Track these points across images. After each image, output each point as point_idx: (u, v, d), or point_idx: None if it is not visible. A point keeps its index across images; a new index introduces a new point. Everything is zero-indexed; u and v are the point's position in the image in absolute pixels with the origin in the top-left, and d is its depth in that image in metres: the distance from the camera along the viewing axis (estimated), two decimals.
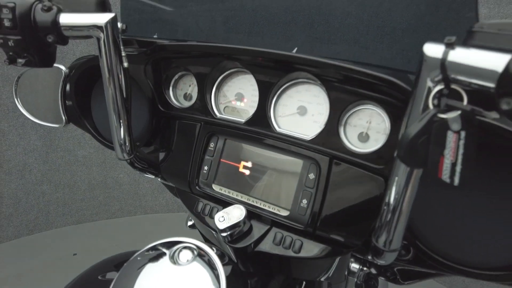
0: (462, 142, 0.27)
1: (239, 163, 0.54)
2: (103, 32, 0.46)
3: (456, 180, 0.27)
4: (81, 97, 0.65)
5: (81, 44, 1.58)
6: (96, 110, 0.67)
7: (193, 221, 0.86)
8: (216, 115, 0.56)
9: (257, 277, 0.58)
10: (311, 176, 0.48)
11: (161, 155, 0.64)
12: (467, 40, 0.28)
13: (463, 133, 0.27)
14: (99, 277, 0.58)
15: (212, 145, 0.57)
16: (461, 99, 0.27)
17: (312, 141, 0.48)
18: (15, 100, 0.64)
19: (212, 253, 0.40)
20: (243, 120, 0.53)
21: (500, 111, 0.25)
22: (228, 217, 0.49)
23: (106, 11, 0.47)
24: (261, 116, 0.52)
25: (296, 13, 0.51)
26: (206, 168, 0.57)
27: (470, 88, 0.27)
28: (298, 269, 0.61)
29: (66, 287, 0.56)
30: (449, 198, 0.39)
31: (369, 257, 0.45)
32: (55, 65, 0.51)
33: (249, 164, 0.54)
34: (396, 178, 0.34)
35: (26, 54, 0.45)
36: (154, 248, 0.42)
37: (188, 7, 0.58)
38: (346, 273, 0.61)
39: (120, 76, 0.50)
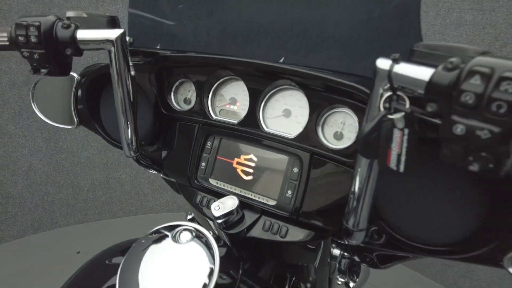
0: (405, 138, 0.34)
1: (233, 159, 0.61)
2: (114, 46, 0.53)
3: (402, 168, 0.34)
4: (91, 101, 0.72)
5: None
6: (105, 113, 0.74)
7: (192, 215, 0.92)
8: (212, 117, 0.63)
9: (249, 262, 0.65)
10: (295, 170, 0.55)
11: (164, 153, 0.71)
12: (409, 56, 0.35)
13: (406, 130, 0.34)
14: (107, 262, 0.64)
15: (209, 143, 0.64)
16: (405, 103, 0.35)
17: (295, 139, 0.55)
18: (32, 104, 0.71)
19: (208, 234, 0.47)
20: (236, 122, 0.61)
21: (426, 112, 0.31)
22: (223, 206, 0.56)
23: (116, 27, 0.55)
24: (252, 118, 0.59)
25: (279, 29, 0.58)
26: (203, 164, 0.64)
27: (410, 94, 0.34)
28: (286, 254, 0.68)
29: (75, 274, 0.63)
30: (403, 185, 0.45)
31: (345, 240, 0.52)
32: None
33: (241, 160, 0.61)
34: (359, 168, 0.41)
35: (48, 65, 0.52)
36: (157, 231, 0.49)
37: (187, 20, 0.65)
38: (329, 259, 0.68)
39: (128, 83, 0.57)
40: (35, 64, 0.51)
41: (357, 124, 0.51)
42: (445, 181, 0.43)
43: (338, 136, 0.53)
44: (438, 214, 0.44)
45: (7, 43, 0.50)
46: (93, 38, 0.52)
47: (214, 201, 0.58)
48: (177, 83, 0.68)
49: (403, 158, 0.34)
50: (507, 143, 0.25)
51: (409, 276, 1.86)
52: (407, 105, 0.34)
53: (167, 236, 0.48)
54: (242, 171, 0.61)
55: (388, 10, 0.48)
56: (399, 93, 0.34)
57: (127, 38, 0.56)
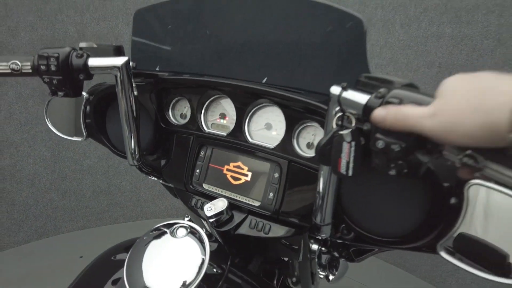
0: (352, 149, 0.43)
1: (224, 166, 0.70)
2: (120, 71, 0.62)
3: (350, 173, 0.43)
4: (98, 116, 0.82)
5: None
6: (110, 126, 0.83)
7: (189, 218, 1.01)
8: (205, 130, 0.73)
9: (239, 257, 0.74)
10: (276, 175, 0.65)
11: (163, 162, 0.80)
12: (356, 85, 0.44)
13: (353, 143, 0.43)
14: (112, 258, 0.73)
15: (202, 153, 0.73)
16: (351, 122, 0.44)
17: (274, 149, 0.64)
18: (46, 119, 0.80)
19: (201, 230, 0.56)
20: (225, 134, 0.70)
21: (364, 130, 0.40)
22: (214, 207, 0.65)
23: (122, 55, 0.64)
24: (238, 130, 0.68)
25: (261, 53, 0.67)
26: (198, 171, 0.73)
27: (355, 115, 0.43)
28: (272, 249, 0.77)
29: (84, 270, 0.71)
30: (361, 186, 0.55)
31: (317, 235, 0.61)
32: None
33: (231, 167, 0.70)
34: (322, 172, 0.50)
35: (64, 88, 0.61)
36: (157, 229, 0.58)
37: (181, 46, 0.74)
38: (308, 254, 0.77)
39: (131, 101, 0.66)
40: (53, 88, 0.61)
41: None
42: (394, 182, 0.52)
43: (310, 146, 0.63)
44: (390, 211, 0.53)
45: (30, 71, 0.60)
46: (102, 65, 0.61)
47: (207, 203, 0.67)
48: (174, 101, 0.77)
49: (351, 165, 0.43)
50: (412, 153, 0.34)
51: (400, 275, 1.94)
52: (353, 123, 0.43)
53: (166, 232, 0.57)
54: (232, 176, 0.70)
55: (341, 48, 0.56)
56: (347, 113, 0.44)
57: (131, 63, 0.65)
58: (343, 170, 0.43)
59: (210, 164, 0.72)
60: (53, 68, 0.58)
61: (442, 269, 1.86)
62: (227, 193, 0.69)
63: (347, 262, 0.83)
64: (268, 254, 0.80)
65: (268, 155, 0.65)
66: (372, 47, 1.82)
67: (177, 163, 0.76)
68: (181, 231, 0.56)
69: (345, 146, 0.43)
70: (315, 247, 0.75)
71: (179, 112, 0.78)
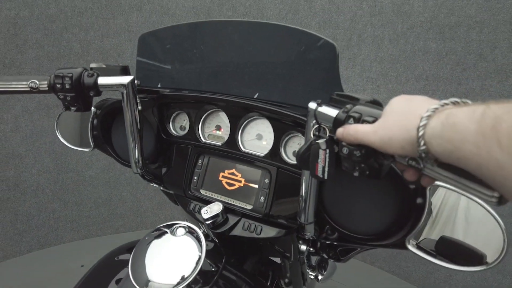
0: (327, 155, 0.50)
1: (219, 173, 0.77)
2: (126, 89, 0.69)
3: (326, 176, 0.50)
4: (105, 129, 0.89)
5: None
6: (115, 138, 0.90)
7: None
8: (202, 141, 0.80)
9: (234, 257, 0.80)
10: (266, 180, 0.71)
11: (164, 170, 0.87)
12: (329, 101, 0.51)
13: (327, 150, 0.50)
14: (116, 258, 0.79)
15: (200, 161, 0.80)
16: (326, 132, 0.51)
17: (264, 157, 0.71)
18: (56, 132, 0.88)
19: (198, 229, 0.62)
20: (220, 144, 0.77)
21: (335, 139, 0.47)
22: (210, 210, 0.71)
23: (128, 74, 0.72)
24: (232, 140, 0.75)
25: (252, 72, 0.74)
26: (196, 178, 0.80)
27: (328, 127, 0.50)
28: (264, 250, 0.83)
29: (91, 268, 0.77)
30: (340, 190, 0.62)
31: (302, 234, 0.67)
32: None
33: (226, 174, 0.77)
34: (304, 177, 0.57)
35: (76, 104, 0.68)
36: (158, 229, 0.64)
37: (181, 66, 0.82)
38: (298, 254, 0.83)
39: (136, 115, 0.74)
40: (66, 103, 0.68)
41: None
42: (370, 185, 0.59)
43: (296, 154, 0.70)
44: (366, 211, 0.60)
45: (47, 89, 0.67)
46: (110, 83, 0.69)
47: (204, 207, 0.73)
48: (174, 114, 0.85)
49: (326, 169, 0.50)
50: (371, 158, 0.41)
51: (395, 283, 1.98)
52: (327, 133, 0.51)
53: (166, 232, 0.63)
54: (226, 182, 0.76)
55: (318, 69, 0.64)
56: (322, 125, 0.51)
57: (136, 81, 0.73)
58: (319, 173, 0.50)
59: (207, 172, 0.79)
60: (67, 86, 0.65)
61: (435, 276, 1.90)
62: (222, 198, 0.76)
63: (335, 263, 0.89)
64: (261, 255, 0.86)
65: (259, 162, 0.72)
66: (363, 62, 1.91)
67: (176, 171, 0.83)
68: (180, 231, 0.62)
69: (321, 153, 0.50)
70: (303, 247, 0.82)
71: (179, 125, 0.85)
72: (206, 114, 0.80)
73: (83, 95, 0.68)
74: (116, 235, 2.31)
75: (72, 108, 0.68)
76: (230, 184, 0.76)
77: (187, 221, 1.03)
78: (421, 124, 0.32)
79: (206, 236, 0.72)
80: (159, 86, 0.83)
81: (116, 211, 2.29)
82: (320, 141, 0.50)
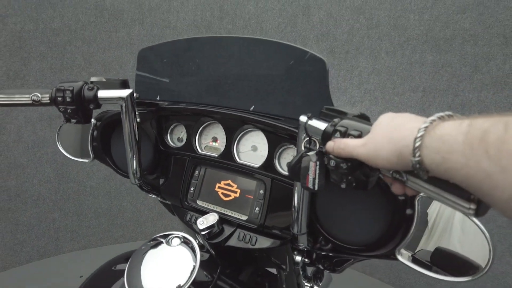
0: (317, 167, 0.51)
1: (215, 184, 0.79)
2: (125, 102, 0.72)
3: (316, 187, 0.51)
4: (104, 140, 0.91)
5: None
6: (114, 149, 0.92)
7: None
8: (199, 152, 0.82)
9: (230, 268, 0.81)
10: (261, 191, 0.73)
11: (161, 181, 0.88)
12: (319, 115, 0.53)
13: (318, 162, 0.51)
14: (113, 268, 0.80)
15: (196, 172, 0.82)
16: (316, 145, 0.53)
17: (259, 168, 0.73)
18: (57, 143, 0.90)
19: (193, 240, 0.64)
20: (216, 155, 0.79)
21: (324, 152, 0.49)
22: (206, 221, 0.73)
23: (127, 88, 0.74)
24: (228, 152, 0.77)
25: (244, 85, 0.76)
26: (192, 189, 0.81)
27: (319, 140, 0.52)
28: (260, 261, 0.84)
29: (88, 278, 0.78)
30: (332, 200, 0.63)
31: (296, 245, 0.68)
32: None
33: (222, 185, 0.78)
34: (296, 188, 0.59)
35: (76, 116, 0.70)
36: (154, 239, 0.66)
37: (178, 80, 0.85)
38: (293, 265, 0.83)
39: (134, 127, 0.76)
40: (67, 116, 0.70)
41: None
42: (360, 197, 0.60)
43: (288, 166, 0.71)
44: (359, 222, 0.61)
45: (48, 101, 0.69)
46: (110, 96, 0.71)
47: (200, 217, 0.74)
48: (172, 126, 0.87)
49: (316, 181, 0.51)
50: (357, 171, 0.43)
51: None
52: (317, 146, 0.52)
53: (162, 242, 0.65)
54: (222, 193, 0.78)
55: (309, 83, 0.66)
56: (312, 138, 0.53)
57: (134, 94, 0.75)
58: (310, 185, 0.52)
59: (203, 183, 0.80)
60: (68, 99, 0.67)
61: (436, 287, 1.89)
62: (218, 209, 0.77)
63: (331, 274, 0.89)
64: (257, 266, 0.87)
65: (254, 173, 0.74)
66: (360, 73, 1.94)
67: (174, 182, 0.84)
68: (176, 241, 0.64)
69: (311, 165, 0.51)
70: (298, 258, 0.82)
71: (177, 136, 0.87)
72: (203, 126, 0.82)
73: (83, 108, 0.70)
74: (115, 246, 2.31)
75: (73, 120, 0.70)
76: (226, 195, 0.77)
77: (183, 232, 1.04)
78: (419, 135, 0.33)
79: (202, 247, 0.73)
80: (158, 99, 0.85)
81: (116, 221, 2.29)
82: (311, 153, 0.51)
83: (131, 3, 1.91)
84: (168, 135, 0.87)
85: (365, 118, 0.47)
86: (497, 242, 1.72)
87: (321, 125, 0.49)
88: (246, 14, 1.97)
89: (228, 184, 0.77)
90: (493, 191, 0.27)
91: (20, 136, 1.92)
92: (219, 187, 0.78)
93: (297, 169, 0.52)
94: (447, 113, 0.35)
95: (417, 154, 0.33)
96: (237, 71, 0.74)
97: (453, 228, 0.55)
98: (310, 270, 0.90)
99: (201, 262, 0.66)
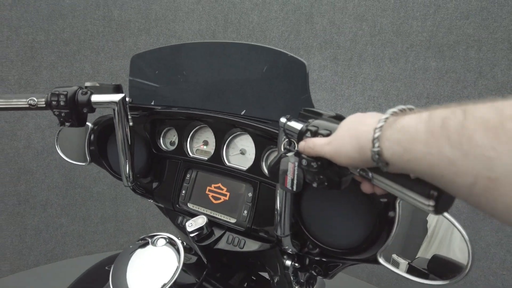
0: (296, 168, 0.52)
1: (206, 187, 0.80)
2: (117, 105, 0.74)
3: (295, 188, 0.52)
4: (100, 144, 0.93)
5: None
6: (110, 153, 0.95)
7: None
8: (190, 155, 0.83)
9: (220, 272, 0.81)
10: (250, 194, 0.73)
11: (154, 184, 0.90)
12: (298, 116, 0.54)
13: (296, 163, 0.52)
14: (106, 268, 0.81)
15: (188, 176, 0.83)
16: (295, 146, 0.53)
17: (247, 171, 0.73)
18: (56, 147, 0.92)
19: (178, 241, 0.64)
20: (206, 158, 0.80)
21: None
22: (195, 223, 0.73)
23: (120, 92, 0.76)
24: (217, 155, 0.78)
25: (232, 89, 0.78)
26: (184, 192, 0.82)
27: (296, 140, 0.52)
28: (251, 264, 0.84)
29: (74, 281, 0.79)
30: (316, 203, 0.63)
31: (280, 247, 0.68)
32: None
33: (212, 188, 0.79)
34: (279, 190, 0.59)
35: (70, 120, 0.73)
36: (142, 239, 0.67)
37: (170, 84, 0.87)
38: (284, 270, 0.83)
39: (127, 131, 0.77)
40: (61, 119, 0.73)
41: None
42: (344, 201, 0.60)
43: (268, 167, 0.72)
44: (343, 225, 0.61)
45: (44, 105, 0.72)
46: (102, 100, 0.73)
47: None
48: (164, 130, 0.88)
49: (295, 181, 0.52)
50: (327, 170, 0.43)
51: None
52: (296, 147, 0.53)
53: (148, 243, 0.66)
54: (212, 196, 0.78)
55: (291, 86, 0.67)
56: (292, 139, 0.53)
57: (127, 99, 0.77)
58: (289, 185, 0.52)
59: (194, 186, 0.81)
60: (62, 103, 0.70)
61: None
62: (208, 211, 0.78)
63: (324, 280, 0.88)
64: (251, 271, 0.86)
65: (242, 176, 0.74)
66: (364, 80, 1.93)
67: (166, 185, 0.85)
68: (161, 241, 0.65)
69: (290, 166, 0.52)
70: (288, 262, 0.82)
71: (169, 140, 0.89)
72: (194, 130, 0.84)
73: (77, 112, 0.72)
74: (120, 252, 2.33)
75: (67, 123, 0.73)
76: (216, 198, 0.78)
77: (174, 234, 1.05)
78: (378, 125, 0.34)
79: (190, 249, 0.73)
80: (152, 103, 0.87)
81: (121, 227, 2.32)
82: (289, 154, 0.52)
83: (138, 13, 1.97)
84: (161, 139, 0.89)
85: (340, 119, 0.47)
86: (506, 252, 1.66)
87: (298, 125, 0.50)
88: (250, 23, 2.00)
89: (218, 187, 0.78)
90: (456, 177, 0.27)
91: (30, 142, 1.98)
92: (209, 190, 0.79)
93: (276, 170, 0.53)
94: (408, 106, 0.35)
95: (376, 145, 0.33)
96: (224, 75, 0.75)
97: (454, 236, 0.54)
98: (302, 275, 0.89)
99: (189, 264, 0.66)
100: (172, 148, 0.87)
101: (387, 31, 1.79)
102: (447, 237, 0.53)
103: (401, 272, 0.53)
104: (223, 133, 0.77)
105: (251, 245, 0.73)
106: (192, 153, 0.83)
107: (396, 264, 0.54)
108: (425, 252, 0.55)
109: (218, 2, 1.98)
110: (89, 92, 0.72)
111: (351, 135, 0.37)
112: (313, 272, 0.83)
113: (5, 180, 1.98)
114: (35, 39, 1.86)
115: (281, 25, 1.96)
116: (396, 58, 1.82)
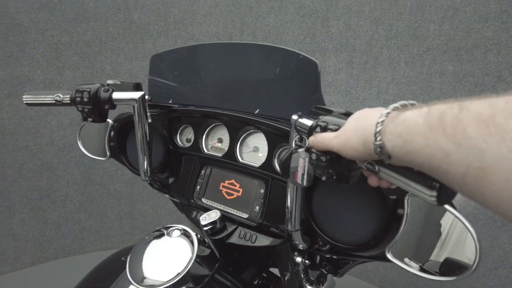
0: (306, 163, 0.53)
1: (220, 183, 0.82)
2: (137, 103, 0.77)
3: (305, 183, 0.53)
4: (120, 140, 0.97)
5: None
6: (129, 148, 0.98)
7: None
8: (205, 152, 0.86)
9: (231, 265, 0.83)
10: (262, 190, 0.75)
11: (170, 179, 0.93)
12: (309, 114, 0.55)
13: (307, 159, 0.53)
14: (123, 258, 0.84)
15: (203, 172, 0.85)
16: (306, 142, 0.55)
17: (259, 167, 0.75)
18: (78, 142, 0.97)
19: (192, 232, 0.67)
20: (220, 155, 0.82)
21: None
22: (208, 217, 0.76)
23: (139, 90, 0.80)
24: (231, 152, 0.80)
25: (247, 89, 0.80)
26: (198, 187, 0.85)
27: (307, 135, 0.54)
28: (262, 259, 0.85)
29: (92, 270, 0.82)
30: (327, 198, 0.64)
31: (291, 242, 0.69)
32: None
33: (226, 184, 0.81)
34: (290, 185, 0.61)
35: (93, 115, 0.77)
36: (158, 230, 0.70)
37: (187, 83, 0.90)
38: (294, 266, 0.84)
39: (145, 127, 0.81)
40: (84, 115, 0.77)
41: None
42: (354, 197, 0.61)
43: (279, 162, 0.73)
44: (353, 221, 0.62)
45: (69, 101, 0.76)
46: (123, 97, 0.77)
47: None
48: (181, 128, 0.92)
49: (305, 177, 0.53)
50: (336, 163, 0.44)
51: None
52: (307, 143, 0.54)
53: (164, 234, 0.68)
54: (226, 192, 0.81)
55: (303, 84, 0.68)
56: (303, 136, 0.55)
57: (146, 97, 0.80)
58: (299, 180, 0.54)
59: (209, 181, 0.84)
60: (85, 99, 0.74)
61: None
62: (221, 207, 0.80)
63: (334, 279, 0.89)
64: (262, 267, 0.88)
65: (255, 173, 0.76)
66: (379, 84, 1.93)
67: (182, 181, 0.88)
68: (176, 232, 0.67)
69: (301, 161, 0.53)
70: (299, 259, 0.83)
71: (185, 137, 0.92)
72: (209, 127, 0.86)
73: (99, 108, 0.76)
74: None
75: (89, 119, 0.77)
76: (229, 194, 0.80)
77: (192, 229, 1.08)
78: (380, 120, 0.36)
79: (203, 242, 0.76)
80: (170, 102, 0.91)
81: (137, 224, 2.37)
82: (300, 150, 0.53)
83: (157, 16, 2.02)
84: (178, 135, 0.92)
85: (349, 115, 0.49)
86: None
87: (309, 122, 0.52)
88: (266, 26, 2.03)
89: (232, 183, 0.80)
90: (450, 167, 0.28)
91: (53, 140, 2.06)
92: (223, 186, 0.81)
93: (287, 166, 0.54)
94: (410, 101, 0.36)
95: (378, 138, 0.35)
96: (239, 75, 0.78)
97: (468, 238, 0.54)
98: (313, 273, 0.90)
99: (202, 256, 0.69)
100: (188, 145, 0.90)
101: (403, 35, 1.78)
102: (461, 240, 0.53)
103: (408, 267, 0.53)
104: (237, 131, 0.80)
105: (263, 240, 0.75)
106: (207, 150, 0.86)
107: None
108: (438, 255, 0.55)
109: (235, 5, 2.02)
110: (110, 89, 0.76)
111: (356, 129, 0.39)
112: (323, 270, 0.84)
113: (29, 175, 2.07)
114: (60, 40, 1.95)
115: (297, 28, 1.98)
116: (412, 62, 1.80)
